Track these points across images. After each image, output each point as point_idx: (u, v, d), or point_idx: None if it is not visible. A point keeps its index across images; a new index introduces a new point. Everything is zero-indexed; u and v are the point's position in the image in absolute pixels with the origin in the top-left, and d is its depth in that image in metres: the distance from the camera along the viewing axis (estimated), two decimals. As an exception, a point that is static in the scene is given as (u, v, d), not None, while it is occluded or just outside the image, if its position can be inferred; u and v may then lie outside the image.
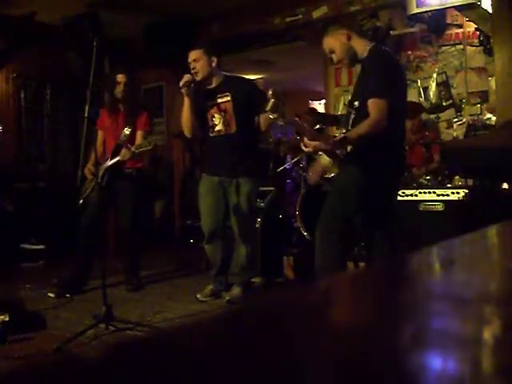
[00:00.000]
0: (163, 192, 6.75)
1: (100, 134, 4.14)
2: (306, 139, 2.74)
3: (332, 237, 2.68)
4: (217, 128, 3.56)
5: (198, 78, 3.51)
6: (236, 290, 3.65)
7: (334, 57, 2.86)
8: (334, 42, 2.82)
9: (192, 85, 3.44)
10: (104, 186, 3.79)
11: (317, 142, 2.69)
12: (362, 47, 2.76)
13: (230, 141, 3.52)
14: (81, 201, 4.01)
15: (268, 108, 2.73)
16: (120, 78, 4.02)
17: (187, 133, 3.65)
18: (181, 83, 3.43)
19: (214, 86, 3.58)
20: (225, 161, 3.53)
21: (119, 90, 4.02)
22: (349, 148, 2.80)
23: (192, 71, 3.52)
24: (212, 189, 3.60)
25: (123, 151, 3.81)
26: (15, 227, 5.15)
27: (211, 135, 3.60)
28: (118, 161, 3.86)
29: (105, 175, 3.91)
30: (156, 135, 4.20)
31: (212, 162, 3.65)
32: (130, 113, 4.04)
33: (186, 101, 3.51)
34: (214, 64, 3.54)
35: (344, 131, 2.78)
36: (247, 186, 3.53)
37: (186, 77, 3.44)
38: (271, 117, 2.78)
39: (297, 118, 2.93)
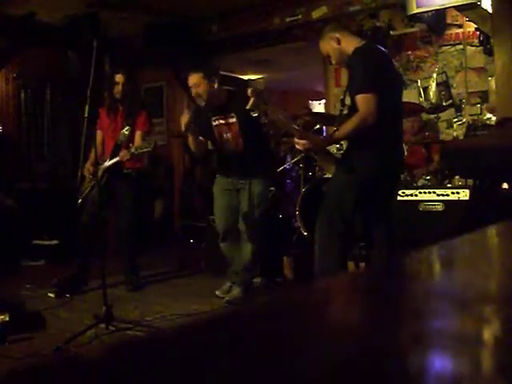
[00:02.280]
0: (163, 192, 6.74)
1: (99, 134, 4.12)
2: (295, 138, 2.75)
3: (331, 237, 2.68)
4: (226, 146, 3.60)
5: (202, 103, 3.50)
6: (236, 291, 3.65)
7: (332, 60, 2.90)
8: (327, 47, 2.85)
9: (193, 125, 3.45)
10: (103, 186, 3.78)
11: (305, 141, 2.69)
12: (351, 48, 2.75)
13: (238, 158, 3.57)
14: (79, 200, 4.02)
15: (248, 106, 2.74)
16: (118, 78, 4.00)
17: (199, 156, 3.83)
18: (183, 127, 3.46)
19: (218, 105, 3.56)
20: (237, 166, 3.58)
21: (118, 90, 4.01)
22: (344, 146, 2.80)
23: (194, 95, 3.52)
24: (225, 188, 3.66)
25: (122, 152, 3.81)
26: (18, 226, 5.15)
27: (222, 147, 3.66)
28: (116, 161, 3.87)
29: (104, 175, 3.91)
30: (155, 136, 4.20)
31: (225, 166, 3.72)
32: (128, 113, 4.03)
33: (192, 140, 3.55)
34: (215, 85, 3.51)
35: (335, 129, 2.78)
36: (258, 187, 3.56)
37: (185, 119, 3.44)
38: (253, 115, 2.79)
39: (281, 116, 2.93)
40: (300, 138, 2.71)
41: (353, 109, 2.68)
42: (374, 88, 2.56)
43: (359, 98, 2.58)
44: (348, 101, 2.83)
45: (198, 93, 3.47)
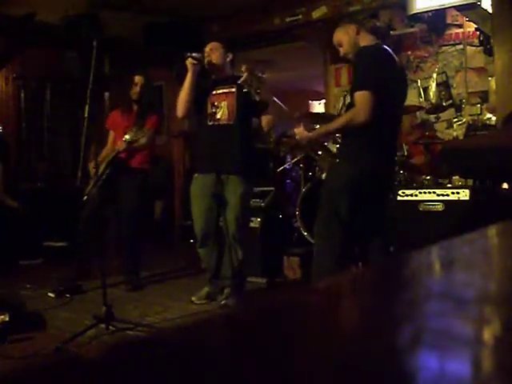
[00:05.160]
0: (163, 192, 6.74)
1: (111, 134, 4.23)
2: (295, 129, 2.75)
3: (330, 239, 2.65)
4: (216, 116, 3.49)
5: (211, 62, 3.48)
6: (230, 294, 3.55)
7: (341, 50, 2.87)
8: (342, 35, 2.84)
9: (199, 63, 3.42)
10: (105, 180, 3.75)
11: (301, 129, 2.70)
12: (364, 43, 2.76)
13: (226, 132, 3.44)
14: (85, 197, 4.02)
15: (240, 81, 2.74)
16: (137, 79, 4.11)
17: (180, 111, 3.55)
18: (189, 53, 3.40)
19: (221, 77, 3.54)
20: (219, 153, 3.41)
21: (135, 91, 4.10)
22: (337, 146, 2.80)
23: (206, 59, 3.49)
24: (204, 190, 3.50)
25: (119, 142, 3.84)
26: (19, 226, 5.15)
27: (209, 123, 3.50)
28: (116, 154, 3.88)
29: (106, 170, 3.92)
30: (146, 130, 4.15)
31: (206, 156, 3.53)
32: (141, 114, 4.09)
33: (189, 77, 3.45)
34: (228, 59, 3.55)
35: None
36: (240, 186, 3.43)
37: (198, 54, 3.43)
38: (245, 90, 2.77)
39: (276, 99, 2.95)
40: (298, 125, 2.73)
41: (350, 106, 2.68)
42: (372, 86, 2.55)
43: (356, 94, 2.58)
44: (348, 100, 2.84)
45: (211, 57, 3.48)
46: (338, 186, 2.67)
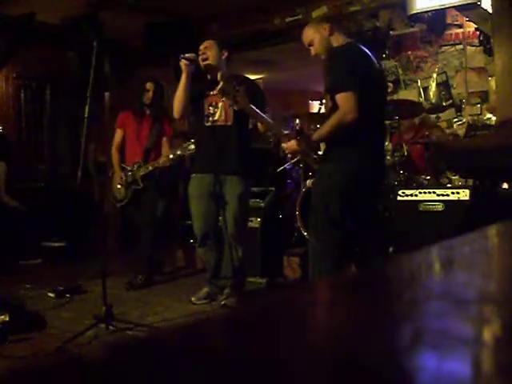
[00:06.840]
0: (165, 192, 6.73)
1: (119, 134, 4.35)
2: (283, 144, 2.70)
3: (324, 240, 2.63)
4: (214, 117, 3.47)
5: (206, 63, 3.47)
6: (230, 293, 3.53)
7: (312, 49, 2.77)
8: (313, 34, 2.74)
9: (193, 64, 3.43)
10: (141, 189, 4.13)
11: (292, 143, 2.64)
12: (337, 44, 2.70)
13: (224, 132, 3.42)
14: (119, 204, 4.28)
15: (215, 91, 2.72)
16: (149, 85, 4.32)
17: (176, 112, 3.55)
18: (182, 54, 3.41)
19: (217, 77, 3.52)
20: (217, 154, 3.38)
21: (148, 97, 4.30)
22: (322, 149, 2.76)
23: (201, 57, 3.47)
24: (203, 190, 3.49)
25: (161, 160, 4.02)
26: (19, 226, 5.16)
27: (206, 124, 3.49)
28: (156, 168, 4.09)
29: (142, 180, 4.14)
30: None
31: (203, 156, 3.51)
32: (156, 118, 4.30)
33: (183, 78, 3.45)
34: (223, 57, 3.52)
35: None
36: (238, 186, 3.43)
37: (191, 54, 3.44)
38: (223, 99, 2.73)
39: (253, 107, 2.92)
40: (289, 140, 2.68)
41: (333, 108, 2.62)
42: (353, 87, 2.50)
43: (339, 96, 2.53)
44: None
45: (207, 54, 3.46)
46: (328, 188, 2.63)
